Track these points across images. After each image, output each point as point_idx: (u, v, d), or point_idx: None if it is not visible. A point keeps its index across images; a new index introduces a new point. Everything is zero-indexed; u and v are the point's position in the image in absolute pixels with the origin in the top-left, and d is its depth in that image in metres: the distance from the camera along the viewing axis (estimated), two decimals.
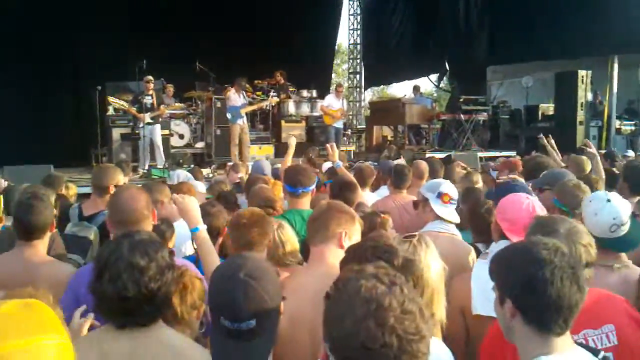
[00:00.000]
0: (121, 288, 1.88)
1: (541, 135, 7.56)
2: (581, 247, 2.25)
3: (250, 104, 12.67)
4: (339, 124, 13.61)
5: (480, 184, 5.71)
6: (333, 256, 2.52)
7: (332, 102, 13.40)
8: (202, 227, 2.83)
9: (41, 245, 3.09)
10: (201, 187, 6.23)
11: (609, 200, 2.84)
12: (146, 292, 1.90)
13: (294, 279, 2.66)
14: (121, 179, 4.48)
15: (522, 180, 4.89)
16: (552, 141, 7.19)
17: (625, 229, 2.81)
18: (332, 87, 15.78)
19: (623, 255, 2.82)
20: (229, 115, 11.92)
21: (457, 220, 3.77)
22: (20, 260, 3.01)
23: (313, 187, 4.14)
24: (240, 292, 1.80)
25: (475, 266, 2.98)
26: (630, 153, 9.72)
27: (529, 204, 3.00)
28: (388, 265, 1.80)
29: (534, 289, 1.70)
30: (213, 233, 3.34)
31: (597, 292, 2.31)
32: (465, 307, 2.79)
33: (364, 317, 1.35)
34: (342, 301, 1.43)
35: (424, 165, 6.10)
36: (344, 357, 1.36)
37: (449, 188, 3.84)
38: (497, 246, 2.82)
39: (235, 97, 11.88)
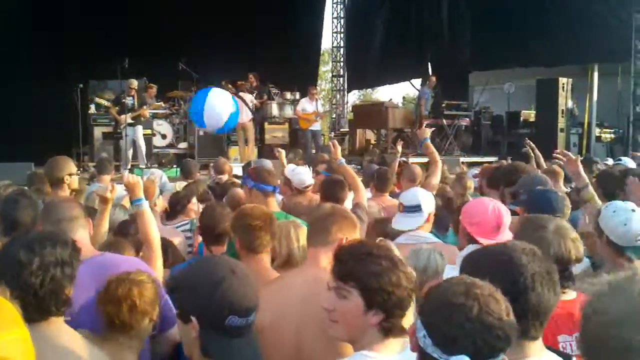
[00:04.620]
0: (3, 284, 1.89)
1: (527, 140, 7.62)
2: (570, 242, 2.31)
3: None
4: (316, 127, 13.69)
5: (472, 189, 5.75)
6: (328, 260, 2.44)
7: (306, 106, 13.46)
8: (145, 201, 3.14)
9: None
10: (168, 186, 6.25)
11: (633, 210, 2.86)
12: (25, 287, 1.92)
13: (284, 279, 2.64)
14: (74, 168, 4.47)
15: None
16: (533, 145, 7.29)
17: None
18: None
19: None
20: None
21: (413, 226, 3.67)
22: None
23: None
24: (246, 286, 1.80)
25: (445, 273, 2.93)
26: (610, 161, 9.83)
27: (494, 206, 3.04)
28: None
29: (515, 295, 1.66)
30: (221, 235, 3.36)
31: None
32: None
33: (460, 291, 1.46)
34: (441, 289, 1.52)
35: (417, 169, 6.06)
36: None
37: (408, 197, 3.77)
38: (466, 251, 2.79)
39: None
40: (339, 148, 5.47)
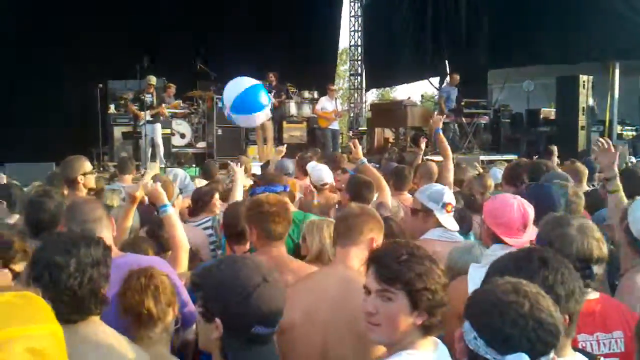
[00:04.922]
0: (42, 287, 1.88)
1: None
2: (593, 240, 2.27)
3: None
4: (335, 125, 13.69)
5: (492, 188, 5.70)
6: (358, 260, 2.50)
7: (326, 105, 13.46)
8: (170, 206, 3.23)
9: None
10: (191, 187, 6.25)
11: None
12: (65, 289, 1.93)
13: (315, 277, 2.65)
14: (88, 167, 4.46)
15: None
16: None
17: None
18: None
19: None
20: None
21: (457, 227, 3.74)
22: None
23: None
24: (276, 295, 1.78)
25: (470, 271, 2.79)
26: (633, 159, 9.70)
27: (519, 204, 2.94)
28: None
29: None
30: (244, 233, 3.34)
31: (607, 299, 2.34)
32: (462, 311, 2.72)
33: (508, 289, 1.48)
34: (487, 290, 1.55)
35: (433, 166, 6.00)
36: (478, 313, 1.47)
37: (451, 197, 3.79)
38: (492, 251, 2.78)
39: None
40: (359, 148, 5.42)
